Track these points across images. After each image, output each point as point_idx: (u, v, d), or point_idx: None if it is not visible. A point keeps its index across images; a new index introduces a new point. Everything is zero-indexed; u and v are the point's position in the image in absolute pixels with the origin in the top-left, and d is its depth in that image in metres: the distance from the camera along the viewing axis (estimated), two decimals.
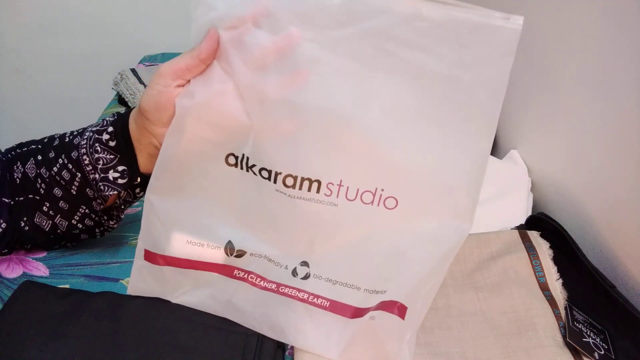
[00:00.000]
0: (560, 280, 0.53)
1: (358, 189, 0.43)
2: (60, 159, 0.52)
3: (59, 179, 0.52)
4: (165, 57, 1.30)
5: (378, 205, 0.43)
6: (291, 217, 0.45)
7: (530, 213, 0.68)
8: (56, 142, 0.54)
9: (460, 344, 0.49)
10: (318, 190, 0.43)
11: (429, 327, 0.50)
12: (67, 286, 0.56)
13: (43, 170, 0.53)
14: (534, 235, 0.57)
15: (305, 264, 0.46)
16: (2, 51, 1.35)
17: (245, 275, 0.48)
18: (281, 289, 0.47)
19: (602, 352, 0.47)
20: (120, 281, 0.59)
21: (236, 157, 0.44)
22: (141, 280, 0.50)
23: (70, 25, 1.33)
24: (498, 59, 0.38)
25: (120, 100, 1.04)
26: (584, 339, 0.47)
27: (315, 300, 0.46)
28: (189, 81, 0.43)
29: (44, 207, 0.54)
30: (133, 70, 1.06)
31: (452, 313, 0.52)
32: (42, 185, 0.53)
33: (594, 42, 0.62)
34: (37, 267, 0.60)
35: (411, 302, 0.43)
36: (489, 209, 0.69)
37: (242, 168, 0.45)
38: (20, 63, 1.38)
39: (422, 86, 0.39)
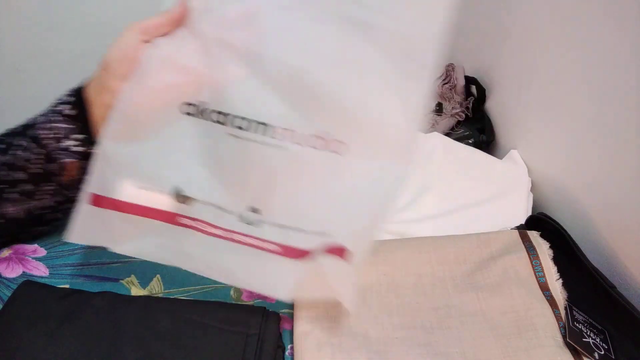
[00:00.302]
0: (560, 280, 0.53)
1: (307, 134, 0.46)
2: (22, 142, 0.52)
3: (21, 161, 0.52)
4: None
5: (326, 149, 0.46)
6: (242, 161, 0.47)
7: (530, 213, 0.68)
8: (17, 129, 0.54)
9: (460, 344, 0.49)
10: (268, 134, 0.46)
11: (429, 327, 0.50)
12: (67, 286, 0.56)
13: (6, 157, 0.53)
14: (534, 235, 0.57)
15: (255, 210, 0.47)
16: (2, 51, 1.35)
17: (195, 223, 0.48)
18: (231, 235, 0.47)
19: (602, 352, 0.47)
20: (120, 281, 0.59)
21: (193, 105, 0.48)
22: (84, 226, 0.48)
23: (70, 25, 1.32)
24: (433, 16, 0.44)
25: None
26: (584, 339, 0.47)
27: (265, 245, 0.47)
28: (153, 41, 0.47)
29: (12, 194, 0.54)
30: None
31: (452, 313, 0.52)
32: (7, 172, 0.53)
33: (594, 42, 0.62)
34: (37, 267, 0.60)
35: (356, 246, 0.45)
36: (489, 209, 0.69)
37: (198, 115, 0.48)
38: (20, 63, 1.37)
39: (365, 38, 0.44)
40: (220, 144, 0.47)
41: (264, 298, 0.57)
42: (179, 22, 0.47)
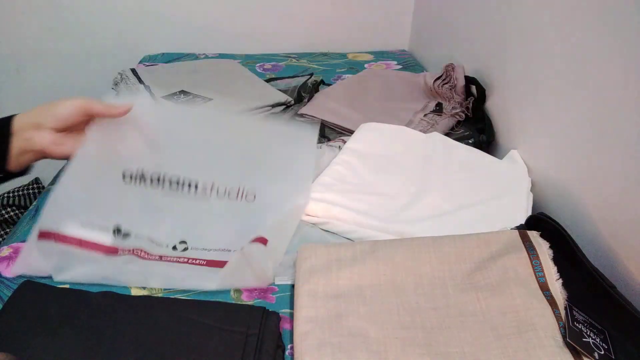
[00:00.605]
0: (560, 280, 0.53)
1: (226, 189, 0.64)
2: None
3: None
4: (165, 57, 1.30)
5: (241, 199, 0.64)
6: (174, 211, 0.63)
7: (530, 213, 0.68)
8: None
9: (460, 343, 0.49)
10: (196, 191, 0.64)
11: (428, 327, 0.50)
12: (67, 286, 0.56)
13: None
14: (534, 235, 0.57)
15: (183, 242, 0.61)
16: (2, 51, 1.35)
17: (131, 251, 0.59)
18: (164, 258, 0.59)
19: (602, 352, 0.47)
20: None
21: (131, 172, 0.64)
22: (29, 258, 0.57)
23: (70, 25, 1.32)
24: (305, 150, 0.70)
25: None
26: (584, 339, 0.47)
27: (194, 261, 0.59)
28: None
29: None
30: (133, 70, 1.06)
31: (451, 313, 0.52)
32: None
33: (593, 43, 0.62)
34: None
35: (270, 236, 0.58)
36: (489, 209, 0.69)
37: (136, 179, 0.64)
38: (20, 63, 1.37)
39: (264, 133, 0.71)
40: (157, 199, 0.63)
41: (264, 298, 0.57)
42: (121, 114, 0.60)
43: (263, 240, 0.58)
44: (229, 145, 0.68)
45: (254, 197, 0.65)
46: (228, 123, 0.71)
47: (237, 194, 0.65)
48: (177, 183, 0.64)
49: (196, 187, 0.64)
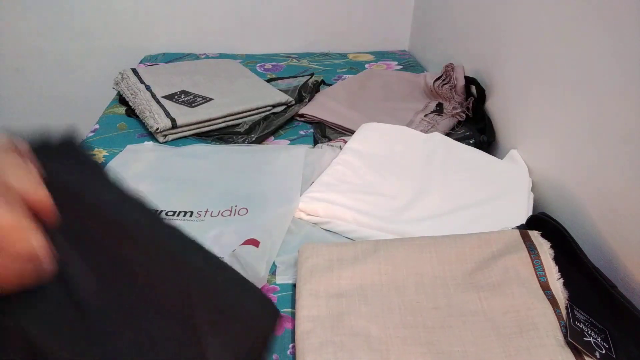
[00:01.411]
0: (561, 280, 0.53)
1: (219, 210, 0.71)
2: None
3: None
4: (166, 57, 1.30)
5: (234, 215, 0.70)
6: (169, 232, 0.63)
7: (530, 213, 0.68)
8: None
9: (461, 343, 0.49)
10: (191, 216, 0.70)
11: (430, 327, 0.50)
12: None
13: None
14: (535, 235, 0.57)
15: None
16: (2, 51, 1.35)
17: None
18: None
19: (603, 352, 0.47)
20: None
21: None
22: None
23: (70, 25, 1.32)
24: (293, 166, 0.78)
25: (121, 100, 1.03)
26: (585, 339, 0.47)
27: None
28: None
29: None
30: (134, 70, 1.06)
31: (453, 312, 0.52)
32: None
33: (592, 43, 0.62)
34: None
35: (262, 239, 0.63)
36: (490, 209, 0.69)
37: None
38: (20, 63, 1.37)
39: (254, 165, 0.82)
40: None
41: None
42: None
43: (255, 242, 0.61)
44: (221, 176, 0.78)
45: (247, 211, 0.70)
46: (221, 156, 0.82)
47: (230, 212, 0.70)
48: (174, 213, 0.69)
49: (191, 214, 0.70)
